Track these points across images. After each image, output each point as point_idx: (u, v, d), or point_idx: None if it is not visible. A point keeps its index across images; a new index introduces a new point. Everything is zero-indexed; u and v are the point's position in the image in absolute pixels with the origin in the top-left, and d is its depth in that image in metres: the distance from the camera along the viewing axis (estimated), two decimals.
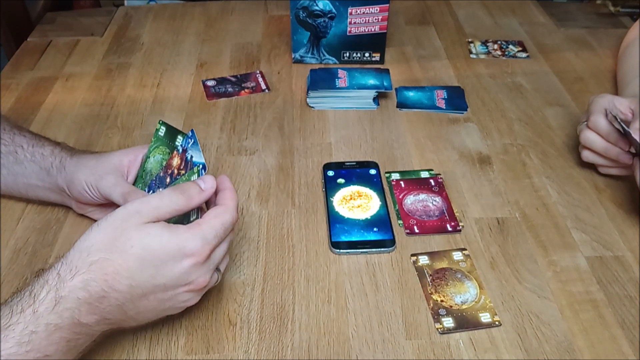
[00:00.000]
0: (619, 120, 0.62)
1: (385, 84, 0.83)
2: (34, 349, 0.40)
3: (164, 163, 0.61)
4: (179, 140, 0.61)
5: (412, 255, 0.60)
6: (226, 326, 0.54)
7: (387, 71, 0.86)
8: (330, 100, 0.83)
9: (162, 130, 0.61)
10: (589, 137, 0.67)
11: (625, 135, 0.62)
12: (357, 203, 0.66)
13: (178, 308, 0.49)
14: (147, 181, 0.60)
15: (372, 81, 0.84)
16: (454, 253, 0.61)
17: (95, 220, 0.62)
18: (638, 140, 0.60)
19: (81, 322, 0.42)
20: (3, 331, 0.40)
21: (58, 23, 1.07)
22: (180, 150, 0.58)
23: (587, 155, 0.69)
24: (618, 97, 0.67)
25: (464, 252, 0.61)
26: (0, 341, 0.39)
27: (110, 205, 0.59)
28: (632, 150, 0.62)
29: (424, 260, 0.60)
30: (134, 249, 0.44)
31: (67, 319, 0.42)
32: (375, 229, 0.63)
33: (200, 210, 0.52)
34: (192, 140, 0.56)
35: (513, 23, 1.05)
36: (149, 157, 0.60)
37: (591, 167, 0.71)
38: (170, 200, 0.47)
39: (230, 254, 0.61)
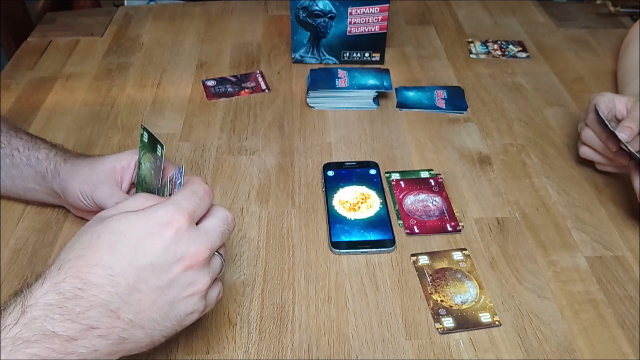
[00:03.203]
0: (606, 120, 0.62)
1: (385, 84, 0.83)
2: None
3: (152, 172, 0.60)
4: (159, 150, 0.61)
5: (412, 255, 0.60)
6: (226, 326, 0.54)
7: (387, 71, 0.86)
8: (330, 100, 0.83)
9: (146, 136, 0.61)
10: (588, 134, 0.67)
11: (613, 134, 0.62)
12: (357, 203, 0.66)
13: (187, 305, 0.41)
14: (146, 189, 0.60)
15: (372, 81, 0.84)
16: (454, 253, 0.61)
17: None
18: (624, 137, 0.60)
19: (56, 332, 0.35)
20: None
21: (58, 23, 1.07)
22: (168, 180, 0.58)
23: (584, 152, 0.69)
24: (618, 95, 0.67)
25: (464, 252, 0.61)
26: None
27: None
28: (623, 147, 0.62)
29: (424, 260, 0.60)
30: (101, 238, 0.39)
31: (37, 330, 0.35)
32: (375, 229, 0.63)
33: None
34: (180, 179, 0.55)
35: (513, 23, 1.05)
36: (141, 164, 0.60)
37: (591, 166, 0.71)
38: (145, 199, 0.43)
39: (230, 254, 0.61)
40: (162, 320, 0.40)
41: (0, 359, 0.33)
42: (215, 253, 0.44)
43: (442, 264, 0.59)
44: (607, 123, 0.62)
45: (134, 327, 0.39)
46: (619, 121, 0.65)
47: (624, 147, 0.61)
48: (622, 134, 0.61)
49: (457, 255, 0.60)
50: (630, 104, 0.65)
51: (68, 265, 0.38)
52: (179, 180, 0.55)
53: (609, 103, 0.66)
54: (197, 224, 0.43)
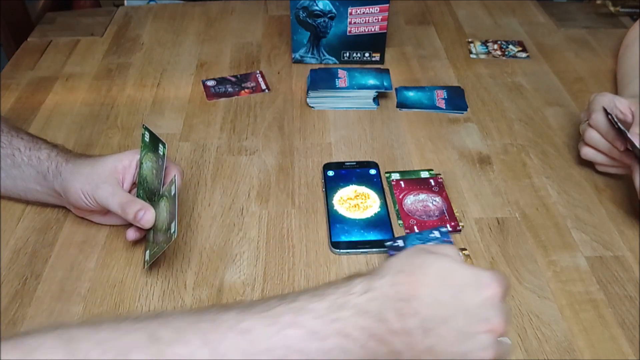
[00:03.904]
0: (615, 120, 0.62)
1: (385, 84, 0.83)
2: (337, 327, 0.39)
3: (154, 172, 0.61)
4: (160, 149, 0.62)
5: None
6: None
7: (387, 71, 0.86)
8: (330, 100, 0.83)
9: (147, 136, 0.61)
10: (593, 135, 0.67)
11: (621, 134, 0.62)
12: (357, 203, 0.66)
13: (479, 354, 0.42)
14: (147, 188, 0.60)
15: (372, 81, 0.84)
16: None
17: (95, 224, 0.63)
18: (637, 144, 0.60)
19: (387, 319, 0.40)
20: (310, 301, 0.40)
21: (58, 23, 1.07)
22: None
23: (586, 152, 0.68)
24: (618, 96, 0.67)
25: (464, 252, 0.61)
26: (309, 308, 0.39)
27: (108, 211, 0.59)
28: (630, 147, 0.62)
29: None
30: (432, 268, 0.42)
31: (375, 308, 0.40)
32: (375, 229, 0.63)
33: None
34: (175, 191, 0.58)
35: (513, 23, 1.05)
36: (142, 163, 0.60)
37: (591, 166, 0.71)
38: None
39: (230, 254, 0.61)
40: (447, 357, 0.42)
41: (341, 317, 0.39)
42: (505, 338, 0.45)
43: None
44: (617, 123, 0.62)
45: (427, 354, 0.41)
46: (619, 121, 0.65)
47: (630, 147, 0.61)
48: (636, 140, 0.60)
49: None
50: (634, 107, 0.64)
51: (403, 274, 0.42)
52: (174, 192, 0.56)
53: (609, 103, 0.66)
54: None
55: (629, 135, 0.61)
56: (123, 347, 0.35)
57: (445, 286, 0.42)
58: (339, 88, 0.82)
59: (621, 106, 0.65)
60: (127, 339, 0.36)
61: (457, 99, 0.84)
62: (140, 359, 0.35)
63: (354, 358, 0.39)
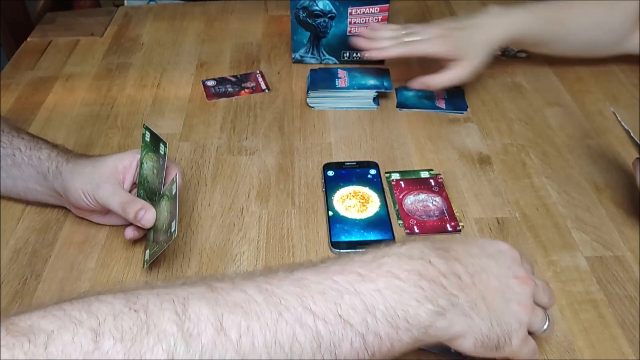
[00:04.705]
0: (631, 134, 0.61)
1: (385, 84, 0.83)
2: (384, 270, 0.40)
3: (155, 171, 0.61)
4: (161, 148, 0.62)
5: None
6: None
7: (387, 71, 0.86)
8: (330, 100, 0.83)
9: (148, 136, 0.61)
10: None
11: None
12: (357, 203, 0.66)
13: (514, 316, 0.43)
14: (147, 188, 0.60)
15: (372, 81, 0.84)
16: None
17: (95, 224, 0.63)
18: None
19: (431, 261, 0.41)
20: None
21: (58, 23, 1.07)
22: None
23: None
24: None
25: None
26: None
27: (109, 211, 0.59)
28: None
29: None
30: (454, 239, 0.48)
31: (416, 253, 0.41)
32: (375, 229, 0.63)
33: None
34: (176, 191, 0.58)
35: None
36: (143, 163, 0.60)
37: (591, 167, 0.71)
38: None
39: (230, 254, 0.61)
40: (495, 315, 0.42)
41: (386, 262, 0.41)
42: (544, 311, 0.46)
43: None
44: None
45: (476, 307, 0.41)
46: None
47: None
48: None
49: None
50: None
51: (429, 239, 0.44)
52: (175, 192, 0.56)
53: None
54: None
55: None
56: (182, 296, 0.36)
57: (469, 244, 0.45)
58: (339, 88, 0.82)
59: None
60: (184, 290, 0.37)
61: (457, 99, 0.84)
62: (199, 306, 0.36)
63: (412, 298, 0.39)
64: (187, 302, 0.36)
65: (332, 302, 0.38)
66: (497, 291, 0.42)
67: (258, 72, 0.91)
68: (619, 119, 0.62)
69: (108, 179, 0.58)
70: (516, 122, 0.80)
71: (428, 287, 0.40)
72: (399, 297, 0.39)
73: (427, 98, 0.85)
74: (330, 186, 0.68)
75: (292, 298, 0.37)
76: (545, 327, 0.45)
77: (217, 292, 0.37)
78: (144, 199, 0.59)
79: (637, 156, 0.61)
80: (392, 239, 0.61)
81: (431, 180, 0.70)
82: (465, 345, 0.41)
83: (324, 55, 0.93)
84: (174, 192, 0.57)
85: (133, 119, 0.81)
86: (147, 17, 1.08)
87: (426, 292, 0.39)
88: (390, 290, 0.39)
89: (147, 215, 0.56)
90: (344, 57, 0.93)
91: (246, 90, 0.87)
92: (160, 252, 0.55)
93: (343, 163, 0.72)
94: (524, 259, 0.47)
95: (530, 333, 0.45)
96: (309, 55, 0.93)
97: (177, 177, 0.58)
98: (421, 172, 0.71)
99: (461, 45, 0.77)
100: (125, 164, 0.60)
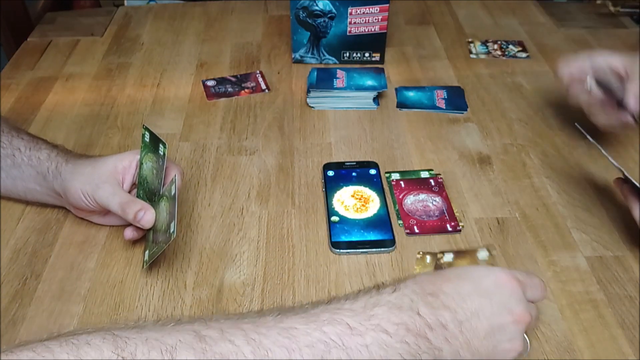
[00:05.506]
0: (612, 86, 0.62)
1: (381, 82, 0.83)
2: (374, 323, 0.40)
3: (154, 172, 0.61)
4: (161, 149, 0.62)
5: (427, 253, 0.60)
6: None
7: (382, 70, 0.86)
8: (330, 100, 0.83)
9: (147, 136, 0.61)
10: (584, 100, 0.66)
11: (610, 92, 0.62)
12: (357, 203, 0.66)
13: (506, 346, 0.43)
14: (147, 189, 0.60)
15: (369, 81, 0.84)
16: None
17: (95, 224, 0.63)
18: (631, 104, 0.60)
19: (419, 312, 0.41)
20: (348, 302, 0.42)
21: (58, 23, 1.07)
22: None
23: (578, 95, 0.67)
24: (615, 54, 0.66)
25: (492, 252, 0.60)
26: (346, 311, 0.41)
27: (108, 212, 0.59)
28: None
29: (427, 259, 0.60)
30: (448, 272, 0.45)
31: (406, 303, 0.41)
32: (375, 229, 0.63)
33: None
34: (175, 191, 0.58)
35: (513, 23, 1.05)
36: (143, 164, 0.60)
37: (591, 167, 0.71)
38: None
39: (230, 254, 0.61)
40: (487, 352, 0.43)
41: (376, 313, 0.41)
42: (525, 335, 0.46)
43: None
44: (613, 88, 0.61)
45: (465, 349, 0.42)
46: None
47: (623, 176, 0.59)
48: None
49: None
50: (629, 67, 0.63)
51: (424, 276, 0.44)
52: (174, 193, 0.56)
53: (602, 62, 0.65)
54: None
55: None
56: (169, 345, 0.36)
57: (463, 279, 0.44)
58: (336, 88, 0.82)
59: (617, 63, 0.64)
60: (172, 337, 0.37)
61: (457, 99, 0.84)
62: (186, 357, 0.36)
63: (397, 354, 0.40)
64: (174, 352, 0.36)
65: (319, 356, 0.38)
66: (486, 335, 0.42)
67: (258, 72, 0.91)
68: (586, 135, 0.62)
69: (107, 179, 0.58)
70: (516, 122, 0.80)
71: (413, 342, 0.40)
72: (385, 353, 0.39)
73: (427, 98, 0.85)
74: (330, 186, 0.68)
75: (280, 351, 0.37)
76: (525, 353, 0.46)
77: (204, 343, 0.37)
78: (144, 200, 0.59)
79: (618, 176, 0.61)
80: (392, 239, 0.61)
81: (431, 180, 0.70)
82: None
83: (324, 55, 0.93)
84: (173, 193, 0.57)
85: (133, 119, 0.81)
86: (147, 17, 1.08)
87: (411, 348, 0.40)
88: (377, 346, 0.39)
89: (147, 215, 0.56)
90: (344, 57, 0.93)
91: (246, 90, 0.87)
92: (160, 253, 0.55)
93: (343, 163, 0.72)
94: (527, 285, 0.45)
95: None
96: (309, 55, 0.93)
97: (177, 177, 0.58)
98: (421, 172, 0.71)
99: None
100: (124, 165, 0.60)
